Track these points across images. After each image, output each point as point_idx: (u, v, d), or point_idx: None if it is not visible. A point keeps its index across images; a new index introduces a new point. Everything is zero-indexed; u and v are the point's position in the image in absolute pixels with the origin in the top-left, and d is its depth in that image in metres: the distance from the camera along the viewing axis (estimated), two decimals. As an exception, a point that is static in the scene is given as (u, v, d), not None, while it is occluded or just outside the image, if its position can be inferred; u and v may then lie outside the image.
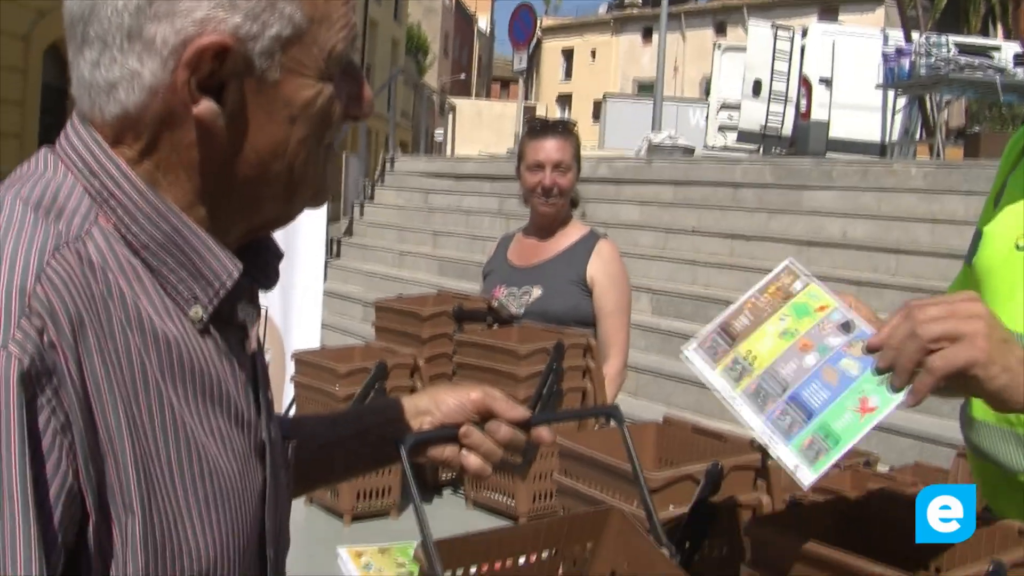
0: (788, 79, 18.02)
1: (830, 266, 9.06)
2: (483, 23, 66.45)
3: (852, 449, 1.33)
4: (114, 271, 0.96)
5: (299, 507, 2.83)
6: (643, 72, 44.60)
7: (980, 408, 1.70)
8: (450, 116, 36.65)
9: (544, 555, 1.48)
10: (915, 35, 16.47)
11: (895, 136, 16.87)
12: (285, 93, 1.02)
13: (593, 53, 50.91)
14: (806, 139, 17.51)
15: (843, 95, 17.11)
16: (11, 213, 0.94)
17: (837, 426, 1.32)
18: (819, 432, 1.32)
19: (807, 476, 1.31)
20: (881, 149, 16.63)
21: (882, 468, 2.38)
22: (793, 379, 1.37)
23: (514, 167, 3.91)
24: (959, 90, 15.90)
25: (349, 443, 1.48)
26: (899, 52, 15.52)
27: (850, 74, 17.05)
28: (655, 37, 30.14)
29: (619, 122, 27.07)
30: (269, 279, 1.15)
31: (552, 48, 53.04)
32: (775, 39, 18.16)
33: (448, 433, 1.41)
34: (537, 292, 3.64)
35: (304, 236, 3.99)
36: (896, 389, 1.32)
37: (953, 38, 15.17)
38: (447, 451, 1.42)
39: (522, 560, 1.45)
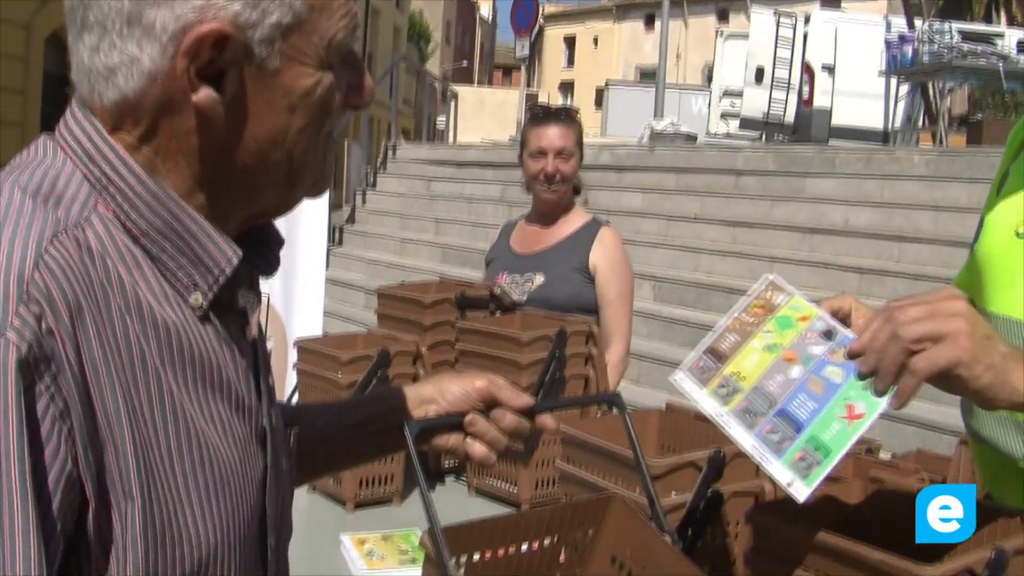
0: (791, 66, 17.97)
1: (832, 253, 9.06)
2: (485, 10, 66.37)
3: (848, 453, 1.32)
4: (113, 258, 0.96)
5: (302, 495, 2.83)
6: (645, 59, 44.57)
7: None
8: (452, 104, 36.58)
9: (546, 542, 1.48)
10: (918, 22, 16.41)
11: (898, 123, 16.85)
12: (285, 81, 1.02)
13: (595, 40, 50.86)
14: (808, 126, 17.48)
15: (846, 82, 17.09)
16: (9, 200, 0.93)
17: (826, 437, 1.31)
18: (809, 445, 1.32)
19: (801, 491, 1.31)
20: (884, 136, 16.62)
21: (884, 455, 2.38)
22: (779, 393, 1.37)
23: (516, 154, 3.90)
24: (962, 77, 15.87)
25: (352, 432, 1.48)
26: (902, 39, 15.49)
27: (853, 61, 17.02)
28: (657, 24, 30.01)
29: (621, 109, 27.01)
30: (270, 265, 1.15)
31: (554, 35, 53.00)
32: (778, 26, 18.11)
33: (453, 421, 1.42)
34: (539, 279, 3.64)
35: (306, 223, 3.98)
36: (880, 393, 1.31)
37: (956, 25, 15.13)
38: (452, 439, 1.43)
39: (524, 547, 1.46)
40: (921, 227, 9.02)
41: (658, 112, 19.07)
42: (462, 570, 1.32)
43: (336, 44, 1.04)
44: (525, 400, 1.44)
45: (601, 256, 3.66)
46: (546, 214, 3.79)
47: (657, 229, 10.76)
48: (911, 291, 1.36)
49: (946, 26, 14.82)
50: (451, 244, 12.33)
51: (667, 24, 21.12)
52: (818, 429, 1.32)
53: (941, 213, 9.04)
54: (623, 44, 49.00)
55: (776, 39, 18.09)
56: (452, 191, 14.35)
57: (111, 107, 1.00)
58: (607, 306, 3.63)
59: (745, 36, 19.49)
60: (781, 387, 1.37)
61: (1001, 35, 14.98)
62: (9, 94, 17.66)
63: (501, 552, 1.43)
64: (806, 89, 17.64)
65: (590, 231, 3.72)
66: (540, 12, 26.42)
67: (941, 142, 15.03)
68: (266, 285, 1.16)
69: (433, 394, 1.45)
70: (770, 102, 18.16)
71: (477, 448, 1.42)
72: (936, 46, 14.57)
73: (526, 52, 20.66)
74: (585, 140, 3.83)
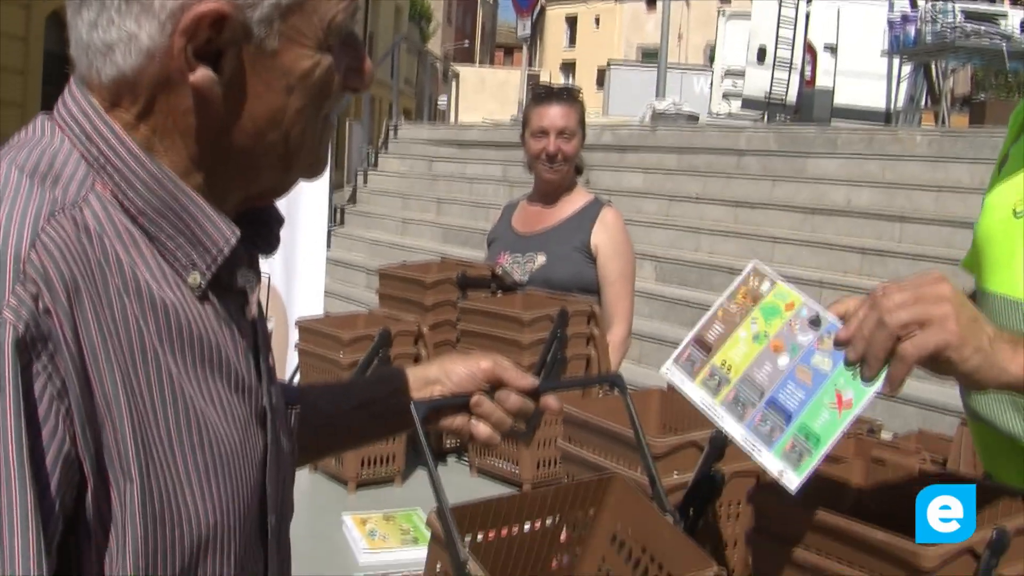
0: (793, 46, 17.92)
1: (834, 233, 9.05)
2: (487, -10, 66.14)
3: (837, 441, 1.32)
4: (111, 237, 0.95)
5: (303, 475, 2.83)
6: (647, 39, 44.42)
7: None
8: (453, 83, 36.46)
9: (548, 522, 1.48)
10: (921, 2, 16.35)
11: (900, 103, 16.81)
12: (283, 62, 1.01)
13: (597, 20, 50.70)
14: (811, 106, 17.46)
15: (848, 62, 17.06)
16: (6, 180, 0.93)
17: (816, 426, 1.31)
18: (799, 434, 1.32)
19: (792, 480, 1.31)
20: (886, 116, 16.59)
21: (886, 436, 2.38)
22: (768, 383, 1.36)
23: (518, 134, 3.90)
24: (965, 57, 15.85)
25: (355, 413, 1.49)
26: (905, 19, 15.45)
27: (855, 41, 16.98)
28: (659, 4, 29.89)
29: (623, 89, 26.96)
30: (270, 245, 1.15)
31: (556, 15, 52.82)
32: (780, 6, 18.04)
33: (460, 401, 1.43)
34: (541, 259, 3.64)
35: (306, 203, 3.98)
36: (868, 380, 1.31)
37: (959, 5, 15.06)
38: (457, 420, 1.44)
39: (527, 526, 1.46)
40: (923, 207, 9.01)
41: (660, 92, 19.05)
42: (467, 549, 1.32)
43: (336, 26, 1.04)
44: (530, 381, 1.45)
45: (603, 236, 3.65)
46: (548, 194, 3.79)
47: (659, 209, 10.76)
48: (912, 271, 1.35)
49: (949, 6, 14.77)
50: (452, 224, 12.33)
51: (669, 3, 21.06)
52: (808, 418, 1.32)
53: (943, 193, 9.03)
54: (625, 24, 48.84)
55: (778, 19, 18.03)
56: (454, 171, 14.34)
57: (109, 84, 0.99)
58: (609, 286, 3.63)
59: (747, 16, 19.44)
60: (770, 377, 1.37)
61: (1004, 15, 14.93)
62: (9, 74, 17.63)
63: (504, 531, 1.44)
64: (808, 69, 17.62)
65: (592, 211, 3.72)
66: (542, -9, 26.32)
67: (944, 122, 15.02)
68: (267, 265, 1.16)
69: (438, 375, 1.47)
70: (772, 82, 18.11)
71: (482, 429, 1.43)
72: (939, 26, 14.53)
73: (528, 32, 20.61)
74: (587, 120, 3.82)
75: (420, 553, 1.74)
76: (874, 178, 9.93)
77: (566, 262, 3.62)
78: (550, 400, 1.47)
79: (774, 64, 18.11)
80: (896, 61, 16.40)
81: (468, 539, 1.36)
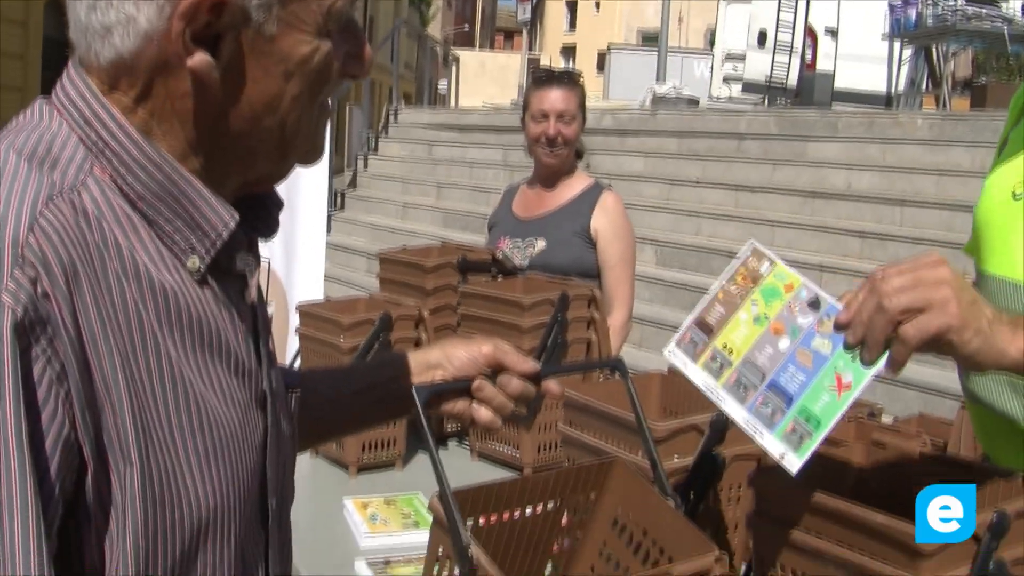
0: (793, 29, 17.85)
1: (834, 217, 9.04)
2: (486, -26, 65.96)
3: (837, 424, 1.33)
4: (110, 221, 0.95)
5: (305, 459, 2.84)
6: (647, 23, 44.26)
7: None
8: (454, 68, 36.43)
9: (549, 506, 1.49)
10: (922, -16, 16.32)
11: (901, 87, 16.76)
12: (282, 48, 1.01)
13: (597, 4, 50.50)
14: (811, 90, 17.41)
15: (849, 46, 16.99)
16: (4, 164, 0.93)
17: (816, 408, 1.32)
18: (800, 416, 1.33)
19: (794, 462, 1.32)
20: (887, 100, 16.54)
21: (886, 419, 2.38)
22: (769, 366, 1.37)
23: (518, 118, 3.89)
24: (966, 40, 15.78)
25: (355, 398, 1.49)
26: (906, 2, 15.39)
27: (856, 24, 16.92)
28: (660, -13, 29.85)
29: (623, 73, 26.91)
30: (270, 228, 1.15)
31: (556, -1, 52.67)
32: (780, -12, 17.99)
33: (462, 386, 1.44)
34: (541, 244, 3.64)
35: (306, 188, 3.97)
36: (868, 363, 1.31)
37: (960, -12, 15.04)
38: (459, 404, 1.44)
39: (528, 510, 1.46)
40: (923, 191, 8.99)
41: (660, 76, 19.02)
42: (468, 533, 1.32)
43: (335, 12, 1.03)
44: (531, 365, 1.46)
45: (603, 220, 3.65)
46: (548, 178, 3.78)
47: (659, 193, 10.74)
48: (912, 255, 1.35)
49: (950, -12, 14.72)
50: (453, 208, 12.32)
51: (669, -13, 20.99)
52: (808, 401, 1.33)
53: (943, 177, 9.01)
54: (625, 8, 48.65)
55: (779, 2, 17.97)
56: (454, 155, 14.32)
57: (107, 66, 0.99)
58: (609, 270, 3.63)
59: (748, -1, 19.38)
60: (771, 359, 1.37)
61: (1006, -2, 14.89)
62: (9, 58, 17.59)
63: (505, 515, 1.44)
64: (809, 52, 17.55)
65: (592, 195, 3.71)
66: (542, -25, 26.27)
67: (945, 106, 14.97)
68: (266, 249, 1.16)
69: (440, 359, 1.47)
70: (773, 66, 18.05)
71: (483, 413, 1.44)
72: (940, 9, 14.49)
73: (528, 16, 20.59)
74: (587, 104, 3.81)
75: (421, 537, 1.75)
76: (875, 162, 9.91)
77: (566, 247, 3.61)
78: (551, 384, 1.48)
79: (775, 48, 18.05)
80: (897, 44, 16.34)
81: (469, 523, 1.36)
